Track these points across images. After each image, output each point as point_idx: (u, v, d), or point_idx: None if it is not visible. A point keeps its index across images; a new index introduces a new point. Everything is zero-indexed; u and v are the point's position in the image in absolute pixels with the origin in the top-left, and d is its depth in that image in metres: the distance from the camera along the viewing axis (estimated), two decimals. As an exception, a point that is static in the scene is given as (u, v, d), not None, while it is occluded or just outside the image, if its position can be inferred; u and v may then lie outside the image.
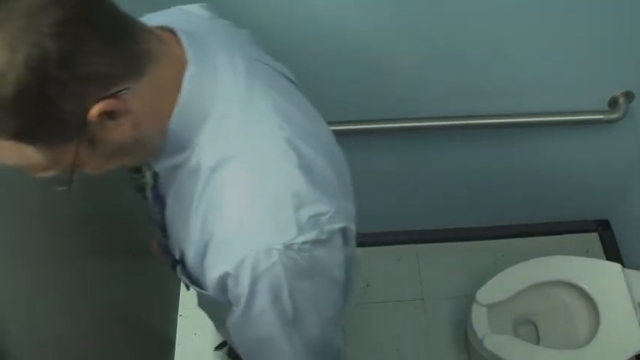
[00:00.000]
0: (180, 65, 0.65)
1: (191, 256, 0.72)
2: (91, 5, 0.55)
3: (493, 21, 1.19)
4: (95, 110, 0.56)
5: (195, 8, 0.82)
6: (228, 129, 0.67)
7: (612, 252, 1.98)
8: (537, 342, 1.59)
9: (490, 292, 1.53)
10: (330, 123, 0.80)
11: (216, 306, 0.73)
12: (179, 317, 1.84)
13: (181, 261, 0.76)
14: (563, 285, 1.57)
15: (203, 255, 0.69)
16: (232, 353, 1.77)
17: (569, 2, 1.14)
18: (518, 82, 1.36)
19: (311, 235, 0.65)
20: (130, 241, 1.43)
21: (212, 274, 0.67)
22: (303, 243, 0.65)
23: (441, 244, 2.00)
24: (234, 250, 0.65)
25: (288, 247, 0.64)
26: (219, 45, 0.71)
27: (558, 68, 1.32)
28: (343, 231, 0.69)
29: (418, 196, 1.80)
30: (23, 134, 0.56)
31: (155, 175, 0.77)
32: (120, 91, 0.58)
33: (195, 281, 0.74)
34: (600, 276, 1.55)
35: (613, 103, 1.41)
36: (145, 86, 0.60)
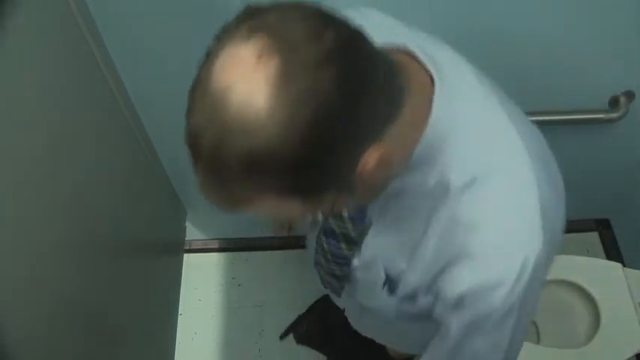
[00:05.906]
0: (427, 89, 0.61)
1: (416, 275, 0.71)
2: (363, 57, 0.51)
3: (492, 19, 1.19)
4: (372, 159, 0.53)
5: (371, 12, 0.75)
6: (475, 147, 0.65)
7: (613, 251, 1.98)
8: (537, 341, 1.59)
9: (490, 292, 1.53)
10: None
11: (412, 316, 0.76)
12: (179, 317, 1.84)
13: (388, 278, 0.76)
14: (564, 284, 1.56)
15: (441, 272, 0.67)
16: (300, 339, 1.80)
17: (569, 1, 1.14)
18: (518, 80, 1.35)
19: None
20: (130, 240, 1.43)
21: (458, 288, 0.66)
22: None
23: (441, 244, 2.00)
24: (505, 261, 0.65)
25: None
26: (445, 58, 0.66)
27: (558, 67, 1.32)
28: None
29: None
30: (301, 190, 0.52)
31: None
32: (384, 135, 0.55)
33: (408, 295, 0.75)
34: (600, 275, 1.54)
35: (614, 103, 1.41)
36: (401, 122, 0.56)
